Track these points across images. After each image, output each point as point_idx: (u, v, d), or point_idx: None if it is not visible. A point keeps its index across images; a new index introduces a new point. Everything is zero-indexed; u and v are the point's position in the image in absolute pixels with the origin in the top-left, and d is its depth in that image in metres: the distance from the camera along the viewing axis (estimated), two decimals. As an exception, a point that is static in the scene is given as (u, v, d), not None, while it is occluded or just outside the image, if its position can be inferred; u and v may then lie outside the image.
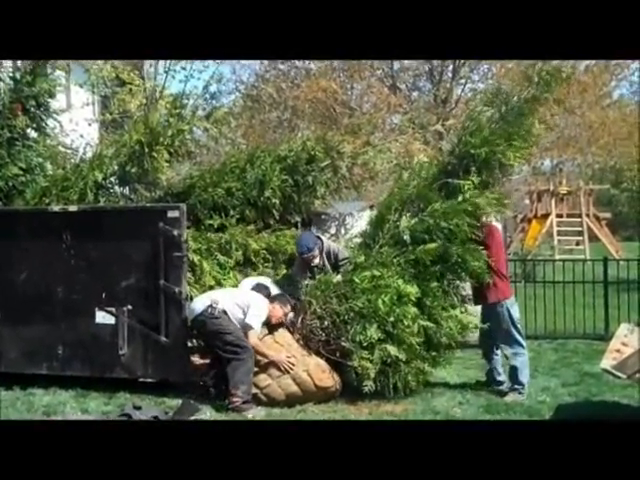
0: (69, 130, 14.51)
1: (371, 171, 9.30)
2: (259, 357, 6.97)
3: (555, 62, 7.95)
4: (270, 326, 7.19)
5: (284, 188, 8.62)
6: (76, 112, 17.88)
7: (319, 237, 7.93)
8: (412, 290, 7.05)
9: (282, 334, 7.21)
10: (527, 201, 30.20)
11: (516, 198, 30.82)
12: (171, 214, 7.29)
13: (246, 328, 6.97)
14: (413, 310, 7.03)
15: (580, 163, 24.58)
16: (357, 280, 7.16)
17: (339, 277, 7.42)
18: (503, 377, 7.56)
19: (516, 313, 7.47)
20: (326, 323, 7.12)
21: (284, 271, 8.27)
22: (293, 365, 6.94)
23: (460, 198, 7.36)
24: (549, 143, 22.49)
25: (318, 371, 7.00)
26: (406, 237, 7.31)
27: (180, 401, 6.86)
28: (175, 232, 7.26)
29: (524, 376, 7.37)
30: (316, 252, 7.68)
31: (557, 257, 19.35)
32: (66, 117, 15.44)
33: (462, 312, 7.36)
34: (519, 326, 7.48)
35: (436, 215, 7.27)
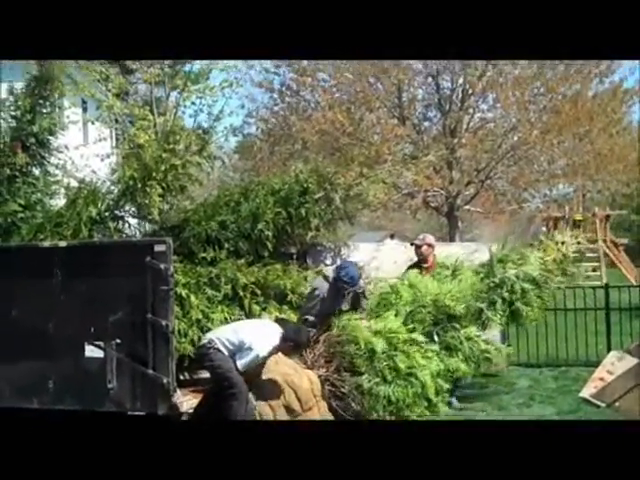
0: (82, 165, 14.71)
1: (364, 201, 9.34)
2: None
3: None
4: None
5: (277, 220, 8.69)
6: (93, 147, 18.19)
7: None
8: (432, 395, 7.36)
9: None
10: (544, 228, 30.00)
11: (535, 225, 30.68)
12: (158, 248, 7.31)
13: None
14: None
15: (590, 189, 24.43)
16: (399, 363, 7.23)
17: (382, 345, 7.32)
18: None
19: None
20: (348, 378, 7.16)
21: (273, 306, 8.26)
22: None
23: None
24: (559, 170, 22.38)
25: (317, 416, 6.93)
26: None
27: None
28: (162, 266, 7.25)
29: None
30: (359, 284, 7.61)
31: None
32: (81, 152, 15.75)
33: None
34: None
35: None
